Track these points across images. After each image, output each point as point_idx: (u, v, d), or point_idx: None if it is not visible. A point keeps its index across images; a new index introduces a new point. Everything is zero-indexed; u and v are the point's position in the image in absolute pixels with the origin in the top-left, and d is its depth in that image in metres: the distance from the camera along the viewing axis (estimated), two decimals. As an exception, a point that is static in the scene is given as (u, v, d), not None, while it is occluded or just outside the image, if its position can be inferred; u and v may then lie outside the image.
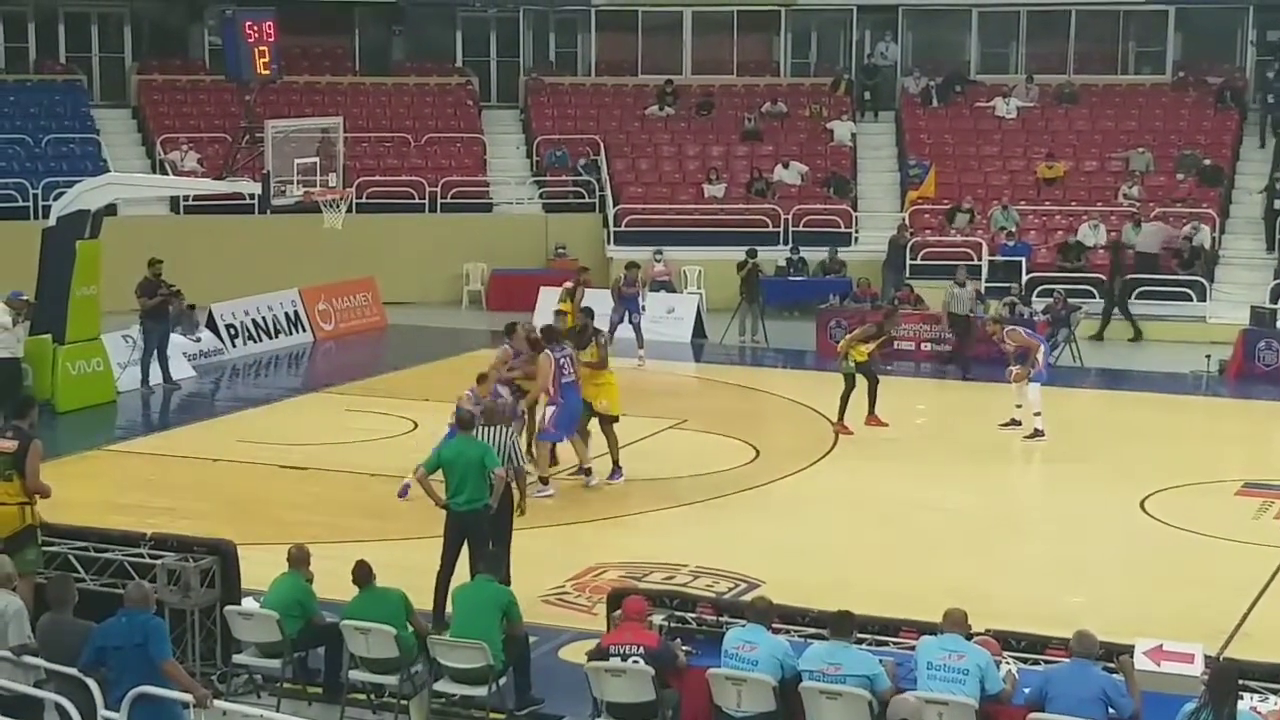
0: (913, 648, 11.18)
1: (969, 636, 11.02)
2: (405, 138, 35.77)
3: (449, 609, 12.84)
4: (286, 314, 29.26)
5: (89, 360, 23.52)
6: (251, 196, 26.82)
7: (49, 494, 13.23)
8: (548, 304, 26.65)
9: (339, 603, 12.77)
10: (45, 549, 13.09)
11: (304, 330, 29.50)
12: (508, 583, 12.86)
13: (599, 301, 27.20)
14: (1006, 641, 11.40)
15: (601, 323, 26.37)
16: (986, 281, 30.09)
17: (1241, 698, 10.21)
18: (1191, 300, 30.51)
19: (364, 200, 31.98)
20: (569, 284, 25.30)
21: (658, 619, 12.17)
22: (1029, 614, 13.63)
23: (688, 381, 27.05)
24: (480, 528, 13.95)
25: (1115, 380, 27.37)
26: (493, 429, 15.06)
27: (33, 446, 13.12)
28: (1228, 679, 9.98)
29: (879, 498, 18.89)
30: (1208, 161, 34.10)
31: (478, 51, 38.84)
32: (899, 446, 20.92)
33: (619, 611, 11.93)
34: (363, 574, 12.32)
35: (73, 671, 10.36)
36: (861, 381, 21.63)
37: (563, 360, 18.52)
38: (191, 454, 20.81)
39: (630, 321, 27.10)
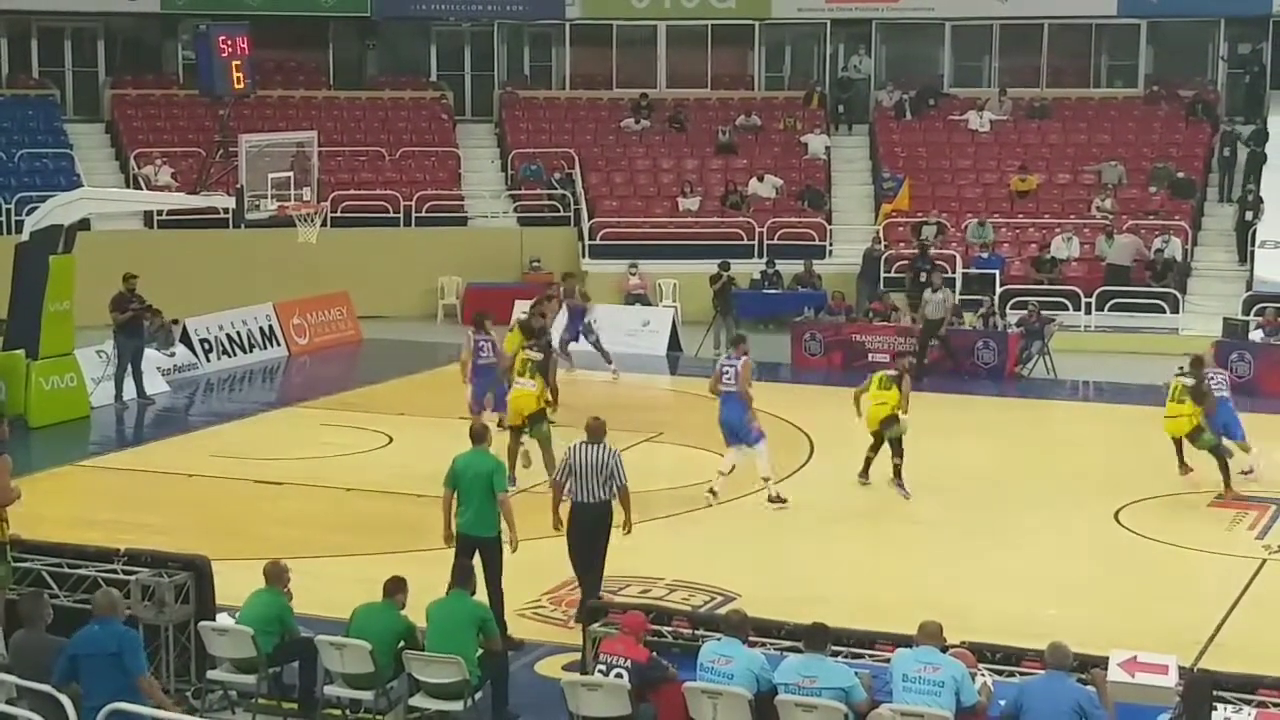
0: (888, 660, 11.20)
1: (944, 649, 11.04)
2: (380, 152, 35.74)
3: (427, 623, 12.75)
4: (261, 328, 29.19)
5: (62, 375, 23.45)
6: (225, 211, 26.67)
7: (19, 496, 13.10)
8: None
9: (314, 619, 12.72)
10: (18, 565, 13.01)
11: (278, 345, 29.43)
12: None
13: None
14: (981, 654, 11.42)
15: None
16: (960, 294, 30.16)
17: (1215, 709, 10.24)
18: (1164, 312, 30.62)
19: (338, 214, 31.90)
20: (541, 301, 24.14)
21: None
22: (1004, 626, 13.67)
23: (663, 395, 27.03)
24: (487, 553, 13.71)
25: (1088, 392, 27.44)
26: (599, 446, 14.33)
27: (1, 461, 13.06)
28: (1202, 690, 10.02)
29: (854, 510, 18.90)
30: (1180, 174, 34.27)
31: (452, 65, 38.87)
32: (874, 459, 20.90)
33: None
34: (388, 587, 12.29)
35: (46, 688, 10.32)
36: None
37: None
38: (166, 469, 20.75)
39: (586, 337, 26.56)
